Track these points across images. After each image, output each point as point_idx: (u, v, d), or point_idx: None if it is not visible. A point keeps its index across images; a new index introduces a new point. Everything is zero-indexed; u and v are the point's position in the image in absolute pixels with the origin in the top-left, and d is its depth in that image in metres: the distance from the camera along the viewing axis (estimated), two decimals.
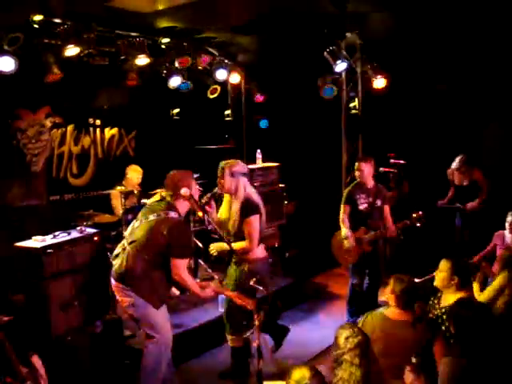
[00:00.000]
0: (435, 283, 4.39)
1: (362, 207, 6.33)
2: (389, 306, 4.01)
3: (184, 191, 4.54)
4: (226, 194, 5.17)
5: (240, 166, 5.09)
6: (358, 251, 6.32)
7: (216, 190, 5.09)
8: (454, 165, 7.67)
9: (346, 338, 3.25)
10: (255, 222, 5.01)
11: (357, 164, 6.43)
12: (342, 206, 6.45)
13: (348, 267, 6.68)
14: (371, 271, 6.45)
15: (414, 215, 6.26)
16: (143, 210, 4.71)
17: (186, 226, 4.68)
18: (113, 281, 4.56)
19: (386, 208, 6.42)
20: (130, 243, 4.51)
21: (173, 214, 4.47)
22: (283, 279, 7.48)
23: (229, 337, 5.24)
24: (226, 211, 5.16)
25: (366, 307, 5.82)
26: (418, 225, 6.26)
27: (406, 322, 3.87)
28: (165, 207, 4.53)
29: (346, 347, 3.22)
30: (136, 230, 4.55)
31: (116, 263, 4.57)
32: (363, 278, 6.47)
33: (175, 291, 5.05)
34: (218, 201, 5.32)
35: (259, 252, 5.08)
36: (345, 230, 6.35)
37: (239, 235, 5.01)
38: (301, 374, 2.94)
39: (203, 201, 4.99)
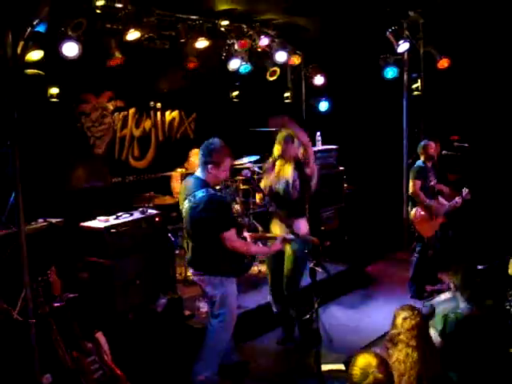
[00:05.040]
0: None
1: None
2: None
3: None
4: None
5: None
6: None
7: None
8: None
9: (404, 319, 3.18)
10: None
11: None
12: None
13: None
14: None
15: None
16: (181, 189, 4.70)
17: (215, 198, 4.41)
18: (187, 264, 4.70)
19: None
20: (188, 236, 4.61)
21: (200, 194, 4.35)
22: (342, 263, 7.38)
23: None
24: None
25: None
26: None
27: None
28: (194, 187, 4.44)
29: (404, 327, 3.15)
30: (185, 220, 4.56)
31: (187, 254, 4.72)
32: None
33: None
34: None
35: (302, 226, 5.15)
36: None
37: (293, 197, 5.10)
38: (366, 361, 2.75)
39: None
